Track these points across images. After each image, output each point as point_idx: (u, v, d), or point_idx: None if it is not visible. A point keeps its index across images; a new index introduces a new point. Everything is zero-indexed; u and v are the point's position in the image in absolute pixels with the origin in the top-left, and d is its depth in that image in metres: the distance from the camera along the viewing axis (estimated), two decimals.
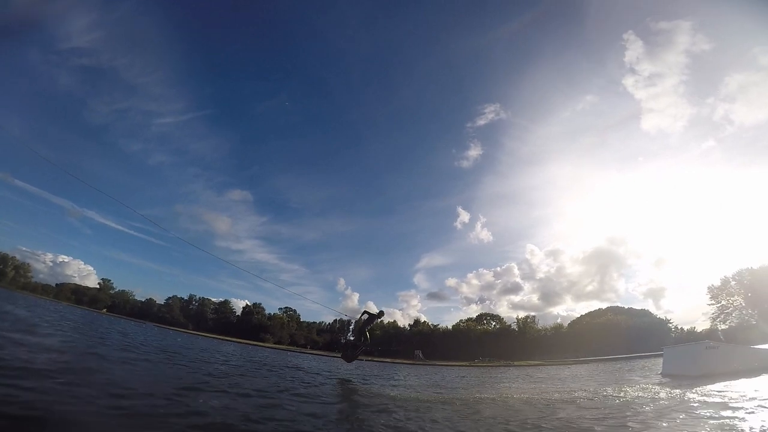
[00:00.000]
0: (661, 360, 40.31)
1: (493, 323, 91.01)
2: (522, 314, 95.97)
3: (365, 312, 17.47)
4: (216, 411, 5.99)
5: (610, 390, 12.98)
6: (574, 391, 13.15)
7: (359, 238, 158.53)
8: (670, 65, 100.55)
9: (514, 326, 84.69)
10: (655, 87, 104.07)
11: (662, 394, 11.22)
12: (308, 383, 12.08)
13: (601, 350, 62.91)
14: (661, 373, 19.86)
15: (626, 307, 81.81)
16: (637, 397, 10.93)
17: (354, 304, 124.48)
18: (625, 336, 66.63)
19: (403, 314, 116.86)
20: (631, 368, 27.49)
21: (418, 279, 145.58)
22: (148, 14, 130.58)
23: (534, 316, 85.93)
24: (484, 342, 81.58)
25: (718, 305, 69.18)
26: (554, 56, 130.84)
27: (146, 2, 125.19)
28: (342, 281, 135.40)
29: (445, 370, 41.58)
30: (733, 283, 68.10)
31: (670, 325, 71.86)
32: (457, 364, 62.25)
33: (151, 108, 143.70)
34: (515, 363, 60.57)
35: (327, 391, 10.88)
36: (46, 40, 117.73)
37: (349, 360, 17.18)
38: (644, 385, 14.29)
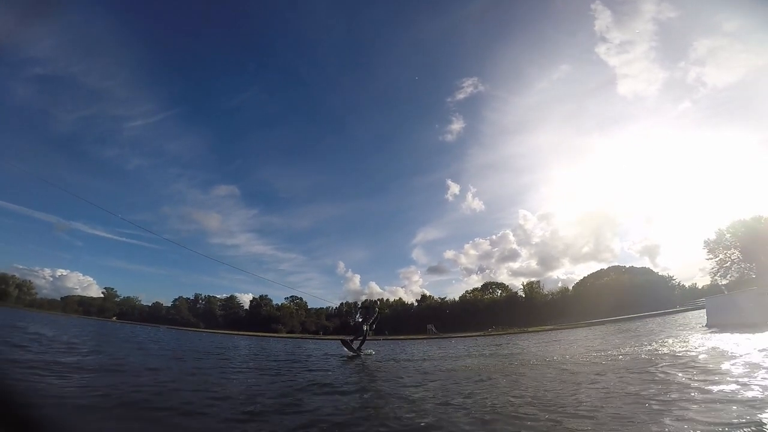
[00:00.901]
0: (674, 317, 41.69)
1: (499, 291, 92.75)
2: (523, 281, 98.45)
3: (361, 307, 18.99)
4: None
5: (671, 342, 13.22)
6: (637, 346, 13.39)
7: (353, 220, 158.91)
8: (639, 33, 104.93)
9: (521, 293, 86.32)
10: (627, 54, 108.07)
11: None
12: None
13: (610, 311, 64.26)
14: (706, 325, 19.87)
15: (627, 266, 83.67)
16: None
17: (356, 285, 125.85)
18: (631, 295, 67.98)
19: (405, 291, 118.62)
20: (656, 325, 27.94)
21: (417, 254, 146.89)
22: (98, 16, 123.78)
23: (539, 282, 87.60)
24: (493, 311, 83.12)
25: (716, 259, 69.79)
26: (525, 28, 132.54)
27: (97, 4, 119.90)
28: (341, 264, 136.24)
29: (467, 340, 42.38)
30: (728, 235, 68.68)
31: (674, 281, 73.40)
32: (471, 334, 63.50)
33: (119, 112, 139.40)
34: (529, 329, 62.04)
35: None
36: None
37: (351, 350, 17.54)
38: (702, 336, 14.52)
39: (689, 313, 44.29)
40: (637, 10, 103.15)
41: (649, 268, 78.44)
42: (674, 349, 11.52)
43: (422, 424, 4.67)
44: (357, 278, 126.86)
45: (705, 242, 70.62)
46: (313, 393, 6.63)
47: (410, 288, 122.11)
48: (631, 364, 9.32)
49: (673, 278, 73.61)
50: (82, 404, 4.88)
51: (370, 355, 17.24)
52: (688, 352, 10.12)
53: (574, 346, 18.31)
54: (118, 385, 5.93)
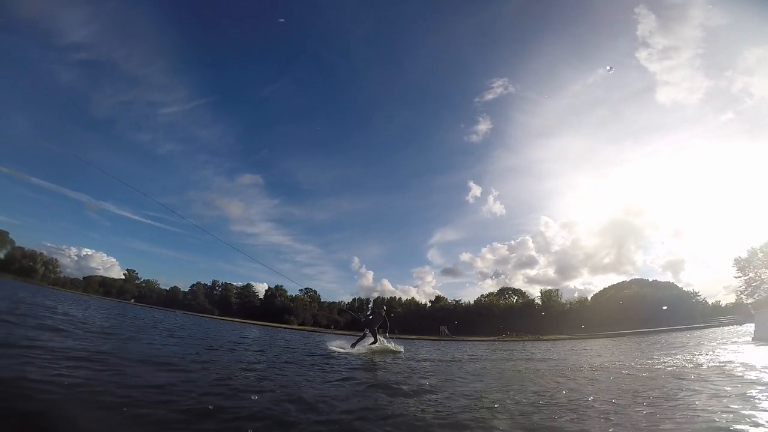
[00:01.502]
0: (702, 332, 40.34)
1: (515, 297, 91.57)
2: (538, 288, 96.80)
3: (370, 314, 18.35)
4: None
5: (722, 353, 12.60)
6: (671, 358, 12.84)
7: (371, 216, 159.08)
8: (684, 39, 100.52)
9: (538, 300, 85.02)
10: (670, 60, 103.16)
11: None
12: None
13: (630, 323, 62.83)
14: (753, 339, 19.59)
15: (650, 279, 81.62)
16: None
17: (369, 282, 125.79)
18: (652, 309, 66.30)
19: (418, 290, 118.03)
20: (687, 339, 26.97)
21: (432, 255, 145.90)
22: (140, 3, 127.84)
23: (557, 290, 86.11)
24: (507, 317, 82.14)
25: (746, 278, 67.58)
26: (562, 30, 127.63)
27: None
28: (356, 260, 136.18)
29: (481, 345, 41.85)
30: (760, 255, 66.26)
31: (698, 297, 71.23)
32: (484, 339, 63.02)
33: (156, 98, 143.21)
34: (544, 338, 61.08)
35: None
36: (42, 36, 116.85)
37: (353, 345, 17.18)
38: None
39: (717, 329, 42.97)
40: (685, 15, 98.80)
41: (673, 283, 76.53)
42: (731, 359, 11.08)
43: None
44: (370, 275, 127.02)
45: (735, 260, 68.68)
46: (387, 394, 6.25)
47: (423, 288, 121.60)
48: (706, 372, 8.92)
49: (698, 294, 71.46)
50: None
51: (400, 353, 16.90)
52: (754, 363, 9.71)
53: (607, 354, 17.76)
54: (178, 384, 5.67)
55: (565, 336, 60.11)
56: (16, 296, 24.97)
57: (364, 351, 16.54)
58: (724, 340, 21.39)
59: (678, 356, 12.96)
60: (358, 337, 17.64)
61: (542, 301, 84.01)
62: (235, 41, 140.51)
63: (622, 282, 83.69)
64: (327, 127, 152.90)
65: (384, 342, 17.83)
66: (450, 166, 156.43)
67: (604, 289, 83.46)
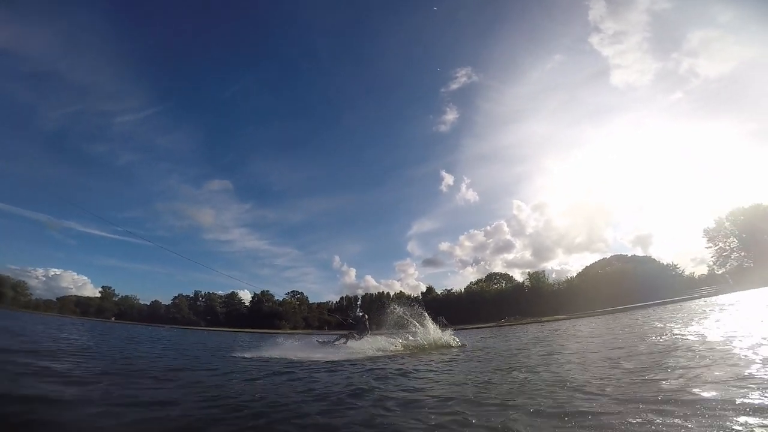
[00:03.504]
0: (694, 303, 42.22)
1: (503, 282, 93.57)
2: (518, 272, 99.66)
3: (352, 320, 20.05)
4: None
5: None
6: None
7: (347, 214, 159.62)
8: (633, 23, 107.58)
9: (527, 283, 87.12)
10: (621, 44, 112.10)
11: None
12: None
13: (618, 299, 65.32)
14: None
15: (629, 255, 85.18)
16: None
17: (352, 279, 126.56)
18: (637, 284, 69.14)
19: (402, 284, 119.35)
20: (688, 310, 27.71)
21: (412, 247, 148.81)
22: (82, 10, 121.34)
23: (543, 272, 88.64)
24: (498, 302, 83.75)
25: (716, 248, 70.98)
26: (519, 18, 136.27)
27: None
28: (337, 258, 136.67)
29: (485, 331, 42.19)
30: (727, 224, 69.57)
31: (678, 270, 74.90)
32: (484, 326, 63.94)
33: (108, 107, 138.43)
34: (542, 319, 62.66)
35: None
36: None
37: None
38: None
39: (710, 299, 44.89)
40: (632, 0, 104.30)
41: (651, 257, 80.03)
42: None
43: None
44: (353, 272, 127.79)
45: (704, 231, 72.01)
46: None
47: (406, 281, 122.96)
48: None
49: (677, 266, 75.20)
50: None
51: (464, 346, 16.35)
52: None
53: (640, 329, 17.82)
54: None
55: (562, 316, 61.86)
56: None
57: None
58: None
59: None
60: (344, 336, 18.00)
61: (531, 283, 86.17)
62: (189, 43, 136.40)
63: (603, 258, 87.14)
64: (295, 126, 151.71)
65: (440, 335, 17.80)
66: (421, 157, 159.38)
67: (587, 266, 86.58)
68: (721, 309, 21.01)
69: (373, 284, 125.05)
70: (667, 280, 71.13)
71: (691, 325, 13.79)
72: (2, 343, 11.41)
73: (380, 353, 14.71)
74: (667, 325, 15.42)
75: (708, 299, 45.69)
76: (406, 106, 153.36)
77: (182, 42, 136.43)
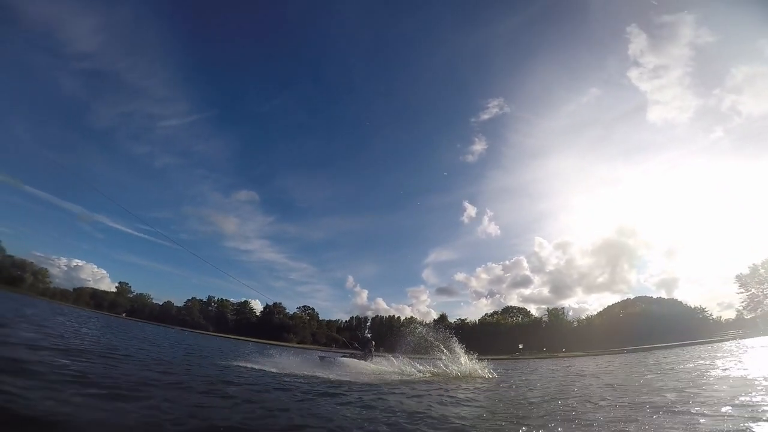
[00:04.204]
0: (724, 344, 40.46)
1: (520, 316, 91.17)
2: (533, 307, 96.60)
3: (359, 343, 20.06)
4: None
5: None
6: None
7: (366, 235, 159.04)
8: (674, 57, 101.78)
9: (545, 318, 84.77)
10: (660, 79, 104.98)
11: None
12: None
13: (640, 339, 62.90)
14: None
15: (655, 296, 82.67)
16: None
17: (363, 301, 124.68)
18: (662, 325, 66.75)
19: (412, 309, 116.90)
20: (716, 351, 26.36)
21: (427, 274, 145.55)
22: (147, 16, 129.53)
23: (563, 308, 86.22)
24: (514, 335, 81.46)
25: (748, 293, 69.65)
26: (556, 50, 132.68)
27: (146, 4, 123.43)
28: (351, 278, 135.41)
29: (507, 363, 40.95)
30: (762, 270, 68.61)
31: (706, 313, 72.21)
32: (498, 357, 62.00)
33: (156, 111, 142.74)
34: (559, 355, 60.67)
35: None
36: (48, 44, 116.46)
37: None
38: None
39: (735, 342, 43.13)
40: (675, 34, 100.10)
41: (677, 299, 77.48)
42: None
43: None
44: (365, 293, 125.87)
45: (737, 276, 70.82)
46: None
47: (417, 307, 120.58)
48: None
49: (705, 309, 72.42)
50: None
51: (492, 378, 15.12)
52: None
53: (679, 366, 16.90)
54: None
55: (579, 353, 59.83)
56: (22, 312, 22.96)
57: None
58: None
59: None
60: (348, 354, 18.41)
61: (549, 319, 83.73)
62: (237, 57, 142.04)
63: (627, 299, 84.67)
64: (324, 144, 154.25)
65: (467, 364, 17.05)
66: (446, 185, 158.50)
67: (609, 306, 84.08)
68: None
69: (383, 307, 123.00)
70: (693, 322, 68.72)
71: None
72: (30, 337, 10.77)
73: (404, 377, 14.07)
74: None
75: (740, 341, 43.97)
76: (434, 133, 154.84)
77: (229, 55, 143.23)
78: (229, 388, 7.27)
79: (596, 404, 6.94)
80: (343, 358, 16.95)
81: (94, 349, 10.76)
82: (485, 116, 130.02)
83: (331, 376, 11.83)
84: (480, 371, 16.12)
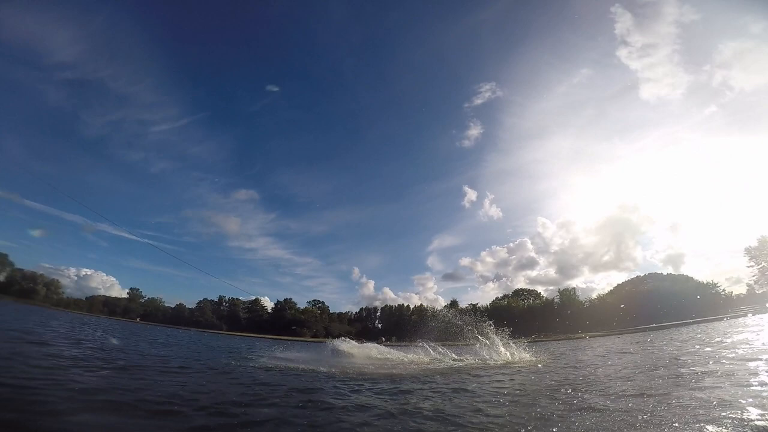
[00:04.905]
0: (744, 319, 40.63)
1: (531, 298, 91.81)
2: (541, 288, 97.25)
3: None
4: None
5: None
6: None
7: (369, 226, 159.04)
8: (661, 35, 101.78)
9: (557, 299, 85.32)
10: (650, 57, 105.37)
11: None
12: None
13: (655, 317, 63.42)
14: None
15: (663, 273, 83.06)
16: None
17: (370, 291, 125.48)
18: (675, 302, 67.11)
19: (420, 297, 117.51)
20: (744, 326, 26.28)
21: (432, 261, 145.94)
22: (126, 22, 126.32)
23: (574, 289, 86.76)
24: (527, 318, 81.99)
25: (758, 267, 68.94)
26: (544, 32, 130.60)
27: (124, 10, 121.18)
28: (356, 270, 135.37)
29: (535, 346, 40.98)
30: None
31: (718, 288, 72.51)
32: (515, 340, 62.43)
33: (146, 116, 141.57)
34: (575, 336, 61.10)
35: None
36: (28, 57, 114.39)
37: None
38: None
39: (755, 317, 43.37)
40: (659, 12, 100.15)
41: (689, 276, 77.84)
42: None
43: None
44: (371, 284, 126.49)
45: (746, 249, 70.16)
46: None
47: (424, 294, 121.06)
48: None
49: (717, 285, 72.78)
50: None
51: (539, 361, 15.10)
52: None
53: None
54: None
55: (597, 333, 60.30)
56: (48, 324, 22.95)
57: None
58: None
59: None
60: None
61: (561, 300, 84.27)
62: (223, 58, 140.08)
63: (637, 277, 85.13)
64: (319, 139, 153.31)
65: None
66: (444, 172, 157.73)
67: (619, 284, 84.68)
68: None
69: (391, 296, 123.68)
70: (706, 299, 69.03)
71: None
72: (78, 355, 9.95)
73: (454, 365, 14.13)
74: None
75: (757, 316, 44.34)
76: (428, 121, 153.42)
77: (216, 56, 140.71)
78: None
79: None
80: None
81: (150, 364, 10.24)
82: (478, 101, 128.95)
83: (393, 371, 12.00)
84: (529, 357, 16.16)
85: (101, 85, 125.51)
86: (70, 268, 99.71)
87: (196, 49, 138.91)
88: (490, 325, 19.49)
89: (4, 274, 79.62)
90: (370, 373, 11.60)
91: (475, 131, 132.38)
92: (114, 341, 17.30)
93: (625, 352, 16.70)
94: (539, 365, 13.78)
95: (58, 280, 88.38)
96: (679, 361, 10.52)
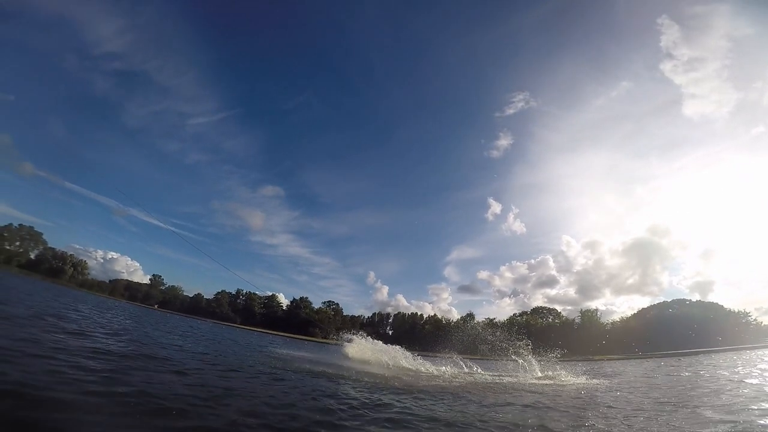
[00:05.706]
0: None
1: (550, 317, 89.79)
2: (559, 307, 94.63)
3: None
4: None
5: None
6: None
7: (389, 231, 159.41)
8: (710, 49, 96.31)
9: (577, 319, 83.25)
10: (696, 72, 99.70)
11: None
12: None
13: (681, 344, 61.22)
14: None
15: (688, 300, 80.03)
16: None
17: (384, 297, 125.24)
18: (701, 329, 64.71)
19: (433, 307, 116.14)
20: None
21: (449, 272, 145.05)
22: (173, 16, 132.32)
23: (596, 310, 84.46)
24: (545, 336, 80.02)
25: None
26: (583, 43, 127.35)
27: (172, 5, 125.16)
28: (372, 274, 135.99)
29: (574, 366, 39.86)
30: None
31: (749, 317, 69.57)
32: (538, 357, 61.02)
33: (186, 109, 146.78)
34: (595, 357, 59.29)
35: None
36: (79, 46, 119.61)
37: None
38: None
39: None
40: (709, 25, 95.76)
41: (717, 303, 74.66)
42: None
43: None
44: (385, 289, 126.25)
45: None
46: None
47: (438, 304, 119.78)
48: None
49: (749, 314, 69.70)
50: None
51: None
52: None
53: None
54: None
55: (619, 356, 58.38)
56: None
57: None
58: None
59: None
60: None
61: (582, 321, 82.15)
62: (262, 56, 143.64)
63: (662, 302, 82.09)
64: (348, 139, 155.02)
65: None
66: (470, 181, 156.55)
67: (643, 309, 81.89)
68: None
69: (404, 304, 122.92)
70: (735, 327, 66.28)
71: None
72: (125, 350, 9.34)
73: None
74: None
75: None
76: (458, 128, 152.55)
77: (255, 53, 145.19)
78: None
79: None
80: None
81: (202, 366, 9.54)
82: (510, 111, 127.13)
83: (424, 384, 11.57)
84: (572, 379, 15.30)
85: (146, 77, 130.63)
86: (98, 250, 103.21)
87: (236, 45, 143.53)
88: (528, 344, 18.78)
89: (36, 252, 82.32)
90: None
91: (504, 141, 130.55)
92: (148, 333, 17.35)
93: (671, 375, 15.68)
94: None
95: (85, 261, 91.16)
96: None
